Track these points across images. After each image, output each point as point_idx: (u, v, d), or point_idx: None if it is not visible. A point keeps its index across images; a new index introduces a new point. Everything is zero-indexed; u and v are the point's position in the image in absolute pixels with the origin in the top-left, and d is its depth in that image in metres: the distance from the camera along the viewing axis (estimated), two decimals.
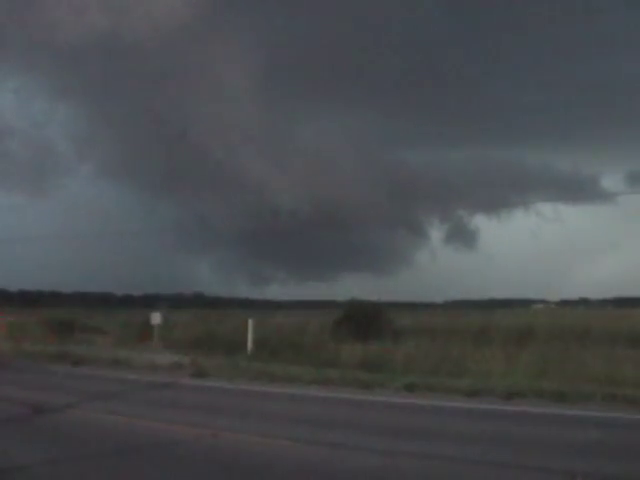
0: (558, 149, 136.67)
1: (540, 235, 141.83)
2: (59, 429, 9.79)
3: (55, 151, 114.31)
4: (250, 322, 20.33)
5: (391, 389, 13.50)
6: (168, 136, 78.90)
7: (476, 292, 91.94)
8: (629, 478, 6.95)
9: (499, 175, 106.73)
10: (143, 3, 70.13)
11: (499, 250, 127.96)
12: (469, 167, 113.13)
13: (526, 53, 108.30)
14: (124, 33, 67.76)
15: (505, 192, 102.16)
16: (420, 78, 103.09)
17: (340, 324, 24.01)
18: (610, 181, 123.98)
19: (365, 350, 18.11)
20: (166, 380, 15.54)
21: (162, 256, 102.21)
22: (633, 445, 8.44)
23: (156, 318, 23.89)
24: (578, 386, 12.23)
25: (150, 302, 48.86)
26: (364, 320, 23.58)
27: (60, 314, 33.36)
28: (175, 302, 54.56)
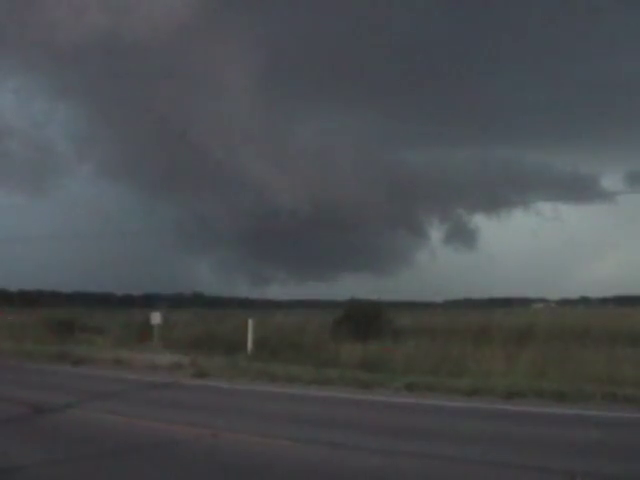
0: (558, 149, 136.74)
1: (540, 234, 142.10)
2: (59, 429, 9.79)
3: (55, 151, 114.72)
4: (250, 322, 20.32)
5: (391, 389, 13.50)
6: (168, 136, 79.00)
7: (476, 292, 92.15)
8: (629, 478, 6.95)
9: (499, 175, 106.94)
10: (143, 3, 70.15)
11: (499, 249, 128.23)
12: (469, 167, 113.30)
13: (526, 53, 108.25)
14: (124, 33, 67.81)
15: (505, 192, 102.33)
16: (420, 78, 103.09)
17: (340, 324, 24.01)
18: (610, 181, 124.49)
19: (365, 350, 18.10)
20: (166, 380, 15.54)
21: (162, 256, 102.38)
22: (633, 445, 8.44)
23: (156, 318, 23.89)
24: (578, 386, 12.22)
25: (150, 302, 48.91)
26: (364, 320, 23.57)
27: (60, 314, 33.31)
28: (175, 302, 54.54)
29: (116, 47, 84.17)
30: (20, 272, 68.30)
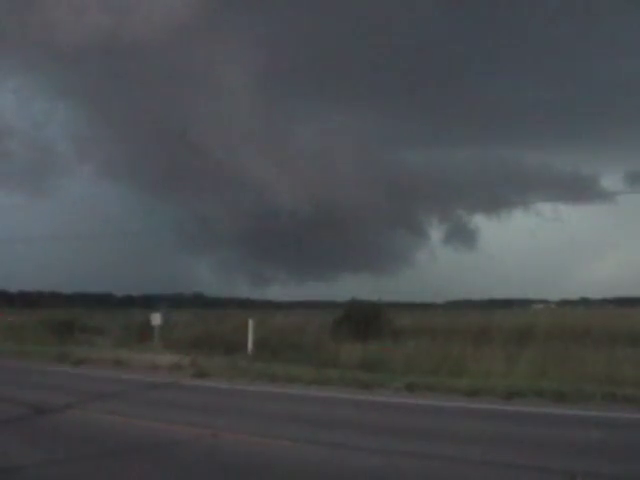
0: (558, 149, 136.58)
1: (540, 235, 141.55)
2: (59, 429, 9.79)
3: (55, 151, 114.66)
4: (250, 322, 20.31)
5: (391, 389, 13.51)
6: (168, 136, 79.04)
7: (476, 292, 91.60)
8: (629, 478, 6.95)
9: (499, 175, 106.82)
10: (143, 3, 70.20)
11: (499, 250, 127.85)
12: (469, 167, 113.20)
13: (526, 53, 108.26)
14: (124, 33, 67.78)
15: (505, 192, 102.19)
16: (420, 78, 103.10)
17: (340, 324, 24.02)
18: (610, 181, 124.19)
19: (365, 350, 18.11)
20: (166, 380, 15.55)
21: (162, 256, 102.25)
22: (633, 445, 8.44)
23: (156, 319, 23.90)
24: (578, 386, 12.23)
25: (150, 302, 48.84)
26: (364, 320, 23.58)
27: (60, 315, 33.34)
28: (175, 302, 54.49)
29: (116, 47, 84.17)
30: (20, 273, 68.37)
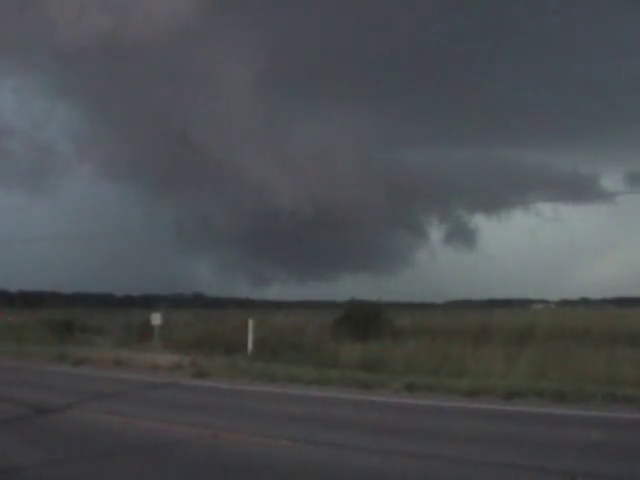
0: (558, 149, 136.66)
1: (540, 235, 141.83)
2: (59, 429, 9.78)
3: (55, 151, 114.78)
4: (250, 322, 20.32)
5: (391, 389, 13.50)
6: (168, 136, 79.03)
7: (476, 292, 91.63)
8: (629, 478, 6.94)
9: (499, 175, 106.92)
10: (143, 3, 70.18)
11: (499, 250, 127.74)
12: (469, 167, 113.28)
13: (526, 53, 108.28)
14: (124, 33, 67.78)
15: (504, 192, 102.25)
16: (420, 78, 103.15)
17: (340, 324, 24.01)
18: (610, 181, 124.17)
19: (365, 350, 18.10)
20: (166, 380, 15.54)
21: (162, 256, 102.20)
22: (633, 445, 8.44)
23: (156, 319, 23.91)
24: (578, 386, 12.22)
25: (150, 302, 48.85)
26: (364, 320, 23.57)
27: (60, 315, 33.31)
28: (175, 302, 54.52)
29: (116, 47, 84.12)
30: (20, 273, 68.35)
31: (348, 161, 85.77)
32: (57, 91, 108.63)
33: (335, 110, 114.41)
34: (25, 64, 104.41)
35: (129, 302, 76.92)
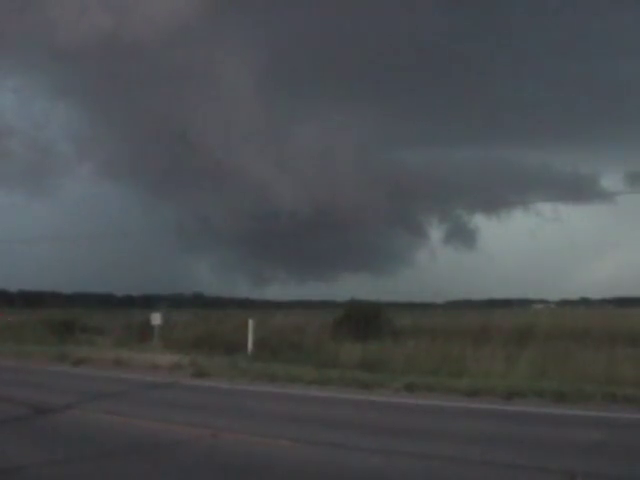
0: (558, 149, 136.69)
1: (540, 235, 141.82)
2: (59, 429, 9.78)
3: (55, 151, 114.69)
4: (250, 322, 20.32)
5: (391, 389, 13.50)
6: (168, 136, 79.05)
7: (476, 292, 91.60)
8: (629, 478, 6.95)
9: (499, 175, 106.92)
10: (143, 3, 70.18)
11: (499, 250, 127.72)
12: (469, 167, 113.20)
13: (526, 53, 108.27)
14: (124, 33, 67.77)
15: (504, 192, 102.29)
16: (420, 78, 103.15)
17: (340, 324, 23.99)
18: (609, 181, 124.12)
19: (365, 350, 18.10)
20: (166, 380, 15.54)
21: (162, 256, 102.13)
22: (633, 445, 8.43)
23: (156, 318, 23.91)
24: (578, 386, 12.22)
25: (150, 302, 48.87)
26: (364, 320, 23.55)
27: (60, 314, 33.35)
28: (175, 302, 54.54)
29: (116, 47, 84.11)
30: (20, 273, 68.29)
31: (348, 161, 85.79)
32: (57, 91, 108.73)
33: (335, 110, 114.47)
34: (25, 64, 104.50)
35: (129, 302, 76.94)
